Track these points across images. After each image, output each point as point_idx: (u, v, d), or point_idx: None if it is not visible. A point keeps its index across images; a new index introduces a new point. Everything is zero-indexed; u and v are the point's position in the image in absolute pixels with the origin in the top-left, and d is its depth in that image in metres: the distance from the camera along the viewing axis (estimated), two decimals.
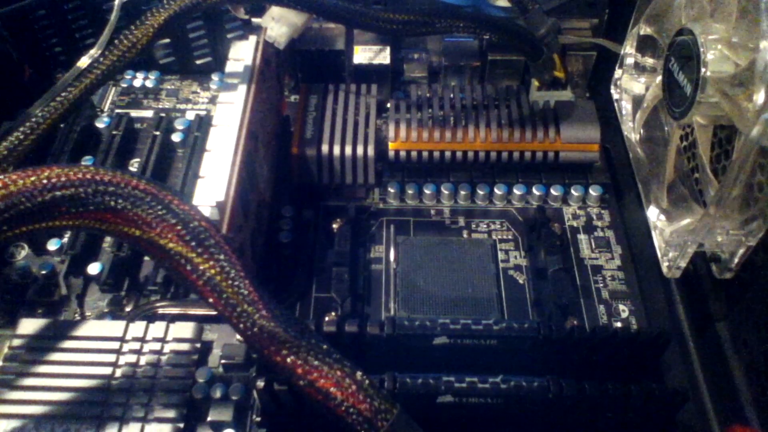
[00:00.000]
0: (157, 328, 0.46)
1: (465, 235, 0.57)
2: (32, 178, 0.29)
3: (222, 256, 0.31)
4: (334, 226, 0.56)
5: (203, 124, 0.62)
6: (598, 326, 0.50)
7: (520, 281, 0.54)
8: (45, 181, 0.29)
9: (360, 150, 0.57)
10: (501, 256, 0.55)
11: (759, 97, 0.36)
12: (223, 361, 0.46)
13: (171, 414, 0.42)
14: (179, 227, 0.31)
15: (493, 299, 0.52)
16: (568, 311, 0.51)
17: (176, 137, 0.61)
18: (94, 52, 0.54)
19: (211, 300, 0.32)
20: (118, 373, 0.44)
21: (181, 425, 0.43)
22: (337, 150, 0.57)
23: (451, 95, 0.60)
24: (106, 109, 0.67)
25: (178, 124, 0.62)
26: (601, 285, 0.54)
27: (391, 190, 0.59)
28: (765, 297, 0.42)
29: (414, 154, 0.58)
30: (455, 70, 0.67)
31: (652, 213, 0.50)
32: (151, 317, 0.48)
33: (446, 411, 0.41)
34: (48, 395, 0.42)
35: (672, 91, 0.45)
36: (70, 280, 0.53)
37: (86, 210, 0.30)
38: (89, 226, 0.31)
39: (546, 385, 0.40)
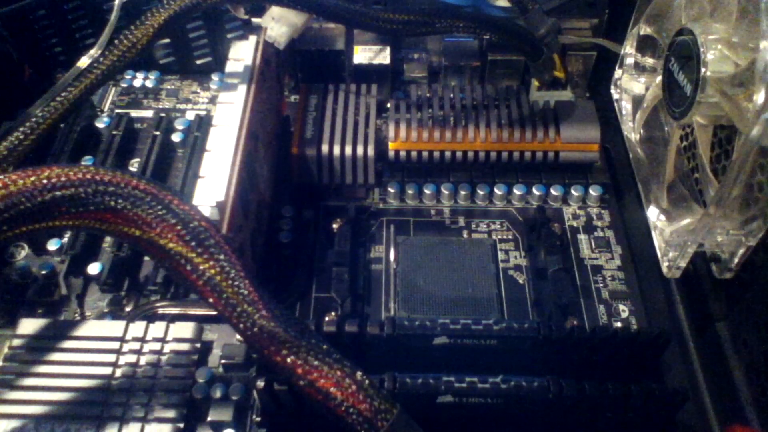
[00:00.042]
0: (157, 328, 0.46)
1: (465, 235, 0.57)
2: (32, 178, 0.29)
3: (222, 256, 0.31)
4: (334, 226, 0.56)
5: (203, 124, 0.62)
6: (598, 326, 0.50)
7: (520, 281, 0.54)
8: (45, 181, 0.29)
9: (360, 150, 0.57)
10: (501, 256, 0.55)
11: (759, 97, 0.36)
12: (223, 361, 0.46)
13: (171, 414, 0.42)
14: (179, 227, 0.31)
15: (493, 299, 0.52)
16: (568, 311, 0.51)
17: (176, 137, 0.61)
18: (94, 52, 0.54)
19: (211, 300, 0.32)
20: (118, 373, 0.44)
21: (181, 425, 0.43)
22: (337, 150, 0.57)
23: (451, 95, 0.60)
24: (106, 109, 0.67)
25: (178, 124, 0.62)
26: (601, 285, 0.54)
27: (391, 190, 0.59)
28: (765, 297, 0.42)
29: (414, 154, 0.58)
30: (455, 70, 0.67)
31: (652, 213, 0.50)
32: (151, 317, 0.48)
33: (446, 411, 0.41)
34: (48, 395, 0.42)
35: (672, 91, 0.45)
36: (70, 280, 0.53)
37: (86, 210, 0.30)
38: (89, 226, 0.31)
39: (546, 385, 0.40)
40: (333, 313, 0.50)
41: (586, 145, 0.58)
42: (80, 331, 0.45)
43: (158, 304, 0.50)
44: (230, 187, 0.44)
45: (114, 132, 0.61)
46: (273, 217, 0.56)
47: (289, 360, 0.32)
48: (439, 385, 0.40)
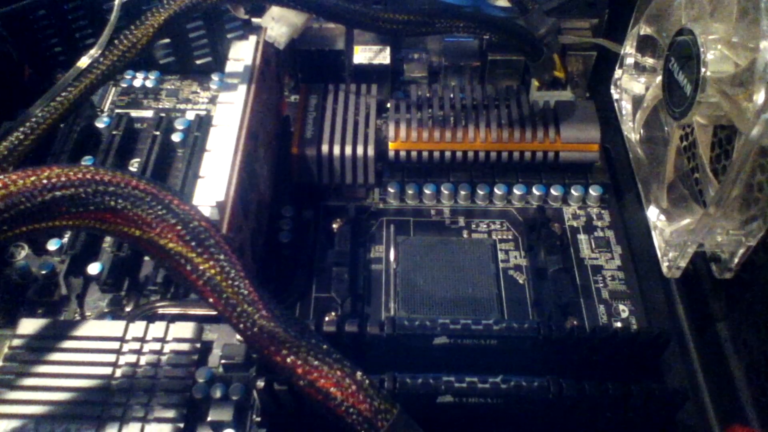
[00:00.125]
0: (157, 328, 0.46)
1: (465, 235, 0.57)
2: (32, 178, 0.29)
3: (222, 256, 0.31)
4: (334, 226, 0.56)
5: (203, 124, 0.62)
6: (598, 326, 0.50)
7: (520, 281, 0.54)
8: (45, 181, 0.29)
9: (360, 150, 0.57)
10: (501, 256, 0.55)
11: (759, 97, 0.36)
12: (223, 361, 0.46)
13: (171, 414, 0.42)
14: (179, 227, 0.31)
15: (493, 299, 0.52)
16: (568, 311, 0.51)
17: (176, 137, 0.61)
18: (94, 52, 0.54)
19: (211, 300, 0.32)
20: (118, 373, 0.44)
21: (181, 425, 0.43)
22: (337, 150, 0.57)
23: (451, 95, 0.60)
24: (106, 109, 0.67)
25: (178, 124, 0.62)
26: (601, 285, 0.54)
27: (391, 190, 0.59)
28: (765, 297, 0.42)
29: (414, 154, 0.58)
30: (455, 70, 0.67)
31: (652, 213, 0.50)
32: (151, 317, 0.48)
33: (446, 411, 0.41)
34: (48, 395, 0.42)
35: (672, 91, 0.45)
36: (70, 280, 0.53)
37: (86, 210, 0.30)
38: (89, 226, 0.31)
39: (546, 385, 0.40)
40: (333, 313, 0.50)
41: (586, 145, 0.58)
42: (80, 331, 0.45)
43: (158, 304, 0.50)
44: (230, 187, 0.44)
45: (114, 132, 0.61)
46: (273, 217, 0.56)
47: (289, 360, 0.32)
48: (439, 385, 0.40)
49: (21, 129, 0.40)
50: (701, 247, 0.44)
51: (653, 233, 0.49)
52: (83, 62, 0.53)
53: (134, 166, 0.60)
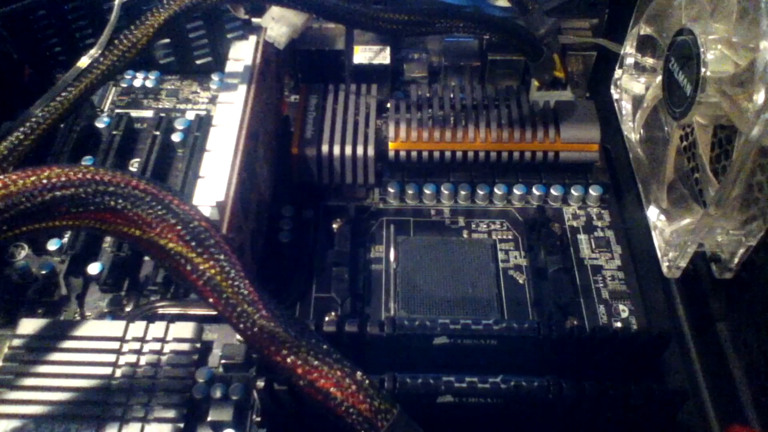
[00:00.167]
0: (157, 328, 0.46)
1: (465, 235, 0.57)
2: (32, 178, 0.29)
3: (222, 256, 0.31)
4: (334, 226, 0.56)
5: (203, 124, 0.62)
6: (598, 326, 0.50)
7: (520, 281, 0.54)
8: (45, 181, 0.29)
9: (360, 150, 0.57)
10: (501, 256, 0.55)
11: (759, 97, 0.36)
12: (223, 361, 0.46)
13: (171, 414, 0.42)
14: (179, 227, 0.31)
15: (493, 299, 0.52)
16: (568, 311, 0.51)
17: (176, 137, 0.61)
18: (94, 52, 0.54)
19: (211, 300, 0.32)
20: (118, 373, 0.44)
21: (181, 425, 0.43)
22: (337, 150, 0.57)
23: (451, 95, 0.60)
24: (106, 109, 0.67)
25: (178, 124, 0.62)
26: (601, 285, 0.54)
27: (391, 190, 0.59)
28: (765, 297, 0.42)
29: (414, 154, 0.58)
30: (455, 70, 0.67)
31: (652, 213, 0.50)
32: (151, 317, 0.48)
33: (446, 411, 0.41)
34: (48, 395, 0.42)
35: (672, 91, 0.45)
36: (70, 280, 0.53)
37: (86, 210, 0.30)
38: (89, 226, 0.31)
39: (546, 385, 0.40)
40: (333, 313, 0.50)
41: (586, 145, 0.58)
42: (80, 331, 0.45)
43: (158, 304, 0.50)
44: (230, 187, 0.44)
45: (114, 132, 0.61)
46: (273, 217, 0.56)
47: (289, 360, 0.32)
48: (439, 385, 0.40)
49: (21, 129, 0.40)
50: (701, 247, 0.44)
51: (653, 233, 0.49)
52: (83, 62, 0.53)
53: (134, 166, 0.60)
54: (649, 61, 0.53)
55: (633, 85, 0.55)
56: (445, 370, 0.41)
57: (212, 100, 0.67)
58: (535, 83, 0.62)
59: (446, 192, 0.58)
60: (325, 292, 0.52)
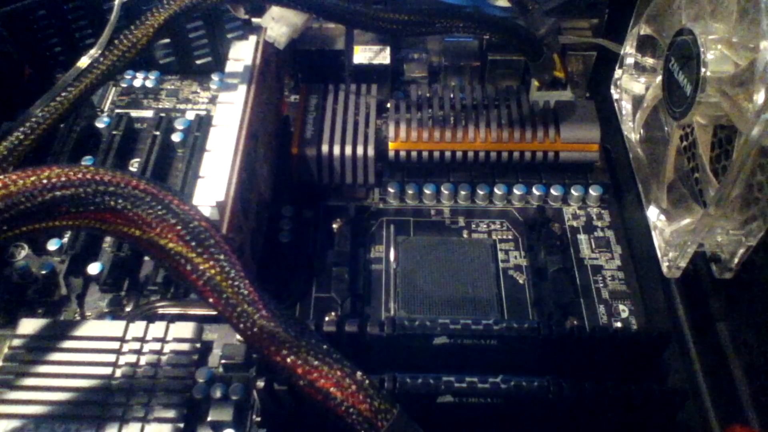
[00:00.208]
0: (157, 328, 0.46)
1: (465, 235, 0.57)
2: (32, 178, 0.29)
3: (222, 256, 0.31)
4: (334, 226, 0.56)
5: (203, 124, 0.62)
6: (598, 326, 0.50)
7: (520, 281, 0.54)
8: (45, 181, 0.29)
9: (360, 150, 0.57)
10: (501, 256, 0.55)
11: (759, 97, 0.36)
12: (223, 361, 0.46)
13: (171, 414, 0.42)
14: (179, 227, 0.31)
15: (493, 299, 0.52)
16: (568, 311, 0.51)
17: (176, 137, 0.61)
18: (94, 52, 0.54)
19: (211, 300, 0.32)
20: (118, 373, 0.44)
21: (181, 425, 0.43)
22: (337, 150, 0.57)
23: (451, 95, 0.60)
24: (106, 109, 0.67)
25: (178, 124, 0.62)
26: (601, 285, 0.54)
27: (391, 190, 0.59)
28: (765, 297, 0.42)
29: (414, 154, 0.58)
30: (455, 70, 0.67)
31: (652, 213, 0.50)
32: (151, 317, 0.48)
33: (446, 411, 0.41)
34: (48, 395, 0.42)
35: (672, 91, 0.45)
36: (70, 280, 0.53)
37: (86, 210, 0.30)
38: (89, 226, 0.31)
39: (546, 385, 0.40)
40: (333, 313, 0.50)
41: (586, 145, 0.58)
42: (80, 331, 0.45)
43: (158, 304, 0.50)
44: (230, 187, 0.44)
45: (114, 132, 0.61)
46: (273, 217, 0.56)
47: (289, 360, 0.32)
48: (439, 385, 0.40)
49: (21, 129, 0.40)
50: (701, 247, 0.44)
51: (653, 233, 0.49)
52: (83, 62, 0.53)
53: (134, 166, 0.60)
54: (649, 61, 0.53)
55: (633, 85, 0.55)
56: (445, 370, 0.41)
57: (212, 100, 0.67)
58: (535, 83, 0.62)
59: (446, 192, 0.58)
60: (325, 292, 0.52)
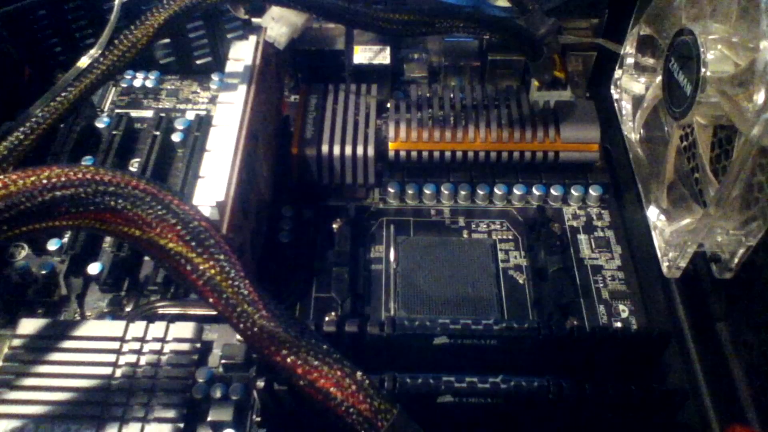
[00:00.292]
0: (157, 328, 0.46)
1: (465, 235, 0.57)
2: (32, 178, 0.29)
3: (222, 256, 0.31)
4: (334, 226, 0.56)
5: (203, 124, 0.62)
6: (598, 326, 0.50)
7: (520, 281, 0.54)
8: (45, 181, 0.29)
9: (360, 150, 0.57)
10: (501, 256, 0.55)
11: (759, 97, 0.36)
12: (223, 361, 0.46)
13: (171, 414, 0.42)
14: (179, 227, 0.31)
15: (493, 299, 0.52)
16: (568, 311, 0.51)
17: (176, 137, 0.61)
18: (94, 52, 0.54)
19: (211, 300, 0.32)
20: (118, 373, 0.44)
21: (181, 425, 0.43)
22: (337, 150, 0.57)
23: (451, 95, 0.60)
24: (106, 109, 0.67)
25: (178, 124, 0.62)
26: (601, 285, 0.54)
27: (391, 190, 0.59)
28: (765, 297, 0.42)
29: (414, 154, 0.58)
30: (455, 70, 0.67)
31: (652, 213, 0.50)
32: (151, 317, 0.48)
33: (446, 411, 0.41)
34: (48, 395, 0.42)
35: (672, 91, 0.45)
36: (70, 280, 0.53)
37: (86, 210, 0.30)
38: (89, 226, 0.31)
39: (546, 385, 0.40)
40: (333, 313, 0.50)
41: (586, 145, 0.58)
42: (80, 331, 0.45)
43: (158, 304, 0.50)
44: (230, 187, 0.44)
45: (114, 132, 0.61)
46: (273, 217, 0.56)
47: (289, 360, 0.32)
48: (439, 385, 0.40)
49: (21, 129, 0.40)
50: (701, 247, 0.44)
51: (653, 233, 0.49)
52: (83, 62, 0.53)
53: (134, 166, 0.60)
54: (649, 61, 0.53)
55: (633, 85, 0.55)
56: (445, 370, 0.41)
57: (212, 100, 0.67)
58: (535, 83, 0.62)
59: (446, 192, 0.58)
60: (325, 292, 0.52)
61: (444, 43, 0.66)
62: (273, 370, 0.33)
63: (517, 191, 0.58)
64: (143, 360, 0.45)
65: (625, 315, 0.52)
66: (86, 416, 0.42)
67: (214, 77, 0.69)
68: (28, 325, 0.45)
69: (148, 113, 0.65)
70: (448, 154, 0.58)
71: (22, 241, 0.54)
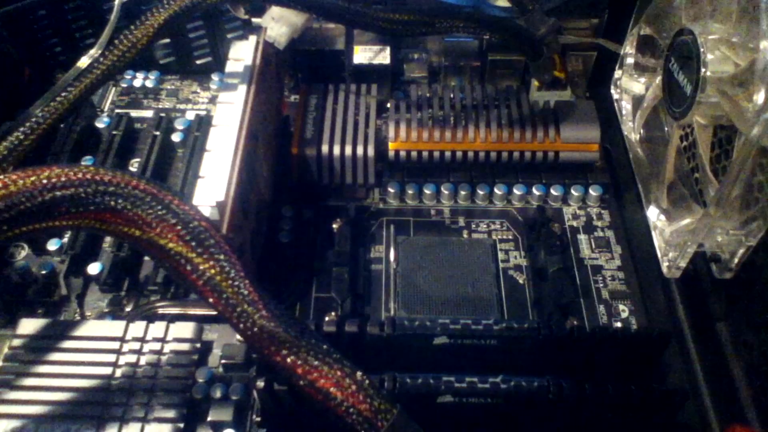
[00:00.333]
0: (157, 328, 0.46)
1: (465, 235, 0.57)
2: (32, 178, 0.29)
3: (222, 256, 0.31)
4: (334, 226, 0.56)
5: (203, 124, 0.62)
6: (598, 326, 0.50)
7: (520, 281, 0.54)
8: (45, 181, 0.29)
9: (360, 150, 0.57)
10: (501, 256, 0.55)
11: (759, 97, 0.36)
12: (223, 361, 0.46)
13: (171, 414, 0.42)
14: (179, 227, 0.31)
15: (493, 299, 0.52)
16: (568, 311, 0.51)
17: (176, 137, 0.61)
18: (94, 52, 0.54)
19: (211, 300, 0.32)
20: (118, 373, 0.44)
21: (181, 425, 0.43)
22: (337, 150, 0.57)
23: (451, 95, 0.60)
24: (106, 109, 0.67)
25: (178, 124, 0.62)
26: (601, 285, 0.54)
27: (391, 190, 0.59)
28: (765, 297, 0.42)
29: (414, 154, 0.58)
30: (455, 70, 0.67)
31: (652, 213, 0.50)
32: (151, 317, 0.48)
33: (446, 411, 0.41)
34: (48, 395, 0.42)
35: (672, 91, 0.45)
36: (70, 280, 0.53)
37: (86, 210, 0.30)
38: (89, 226, 0.31)
39: (546, 385, 0.40)
40: (333, 313, 0.50)
41: (586, 145, 0.58)
42: (80, 331, 0.45)
43: (158, 304, 0.50)
44: (230, 187, 0.44)
45: (114, 132, 0.61)
46: (273, 217, 0.56)
47: (289, 360, 0.32)
48: (439, 385, 0.40)
49: (21, 129, 0.40)
50: (701, 247, 0.44)
51: (653, 233, 0.49)
52: (83, 62, 0.53)
53: (134, 166, 0.60)
54: (650, 61, 0.53)
55: (633, 85, 0.55)
56: (445, 370, 0.41)
57: (212, 100, 0.67)
58: (535, 83, 0.62)
59: (446, 192, 0.58)
60: (325, 292, 0.52)
61: (444, 43, 0.66)
62: (273, 370, 0.33)
63: (517, 191, 0.58)
64: (143, 360, 0.45)
65: (625, 315, 0.52)
66: (86, 416, 0.42)
67: (214, 77, 0.69)
68: (28, 325, 0.45)
69: (148, 113, 0.65)
70: (448, 154, 0.58)
71: (22, 241, 0.54)
